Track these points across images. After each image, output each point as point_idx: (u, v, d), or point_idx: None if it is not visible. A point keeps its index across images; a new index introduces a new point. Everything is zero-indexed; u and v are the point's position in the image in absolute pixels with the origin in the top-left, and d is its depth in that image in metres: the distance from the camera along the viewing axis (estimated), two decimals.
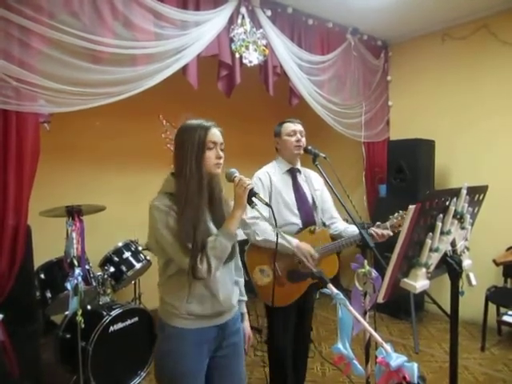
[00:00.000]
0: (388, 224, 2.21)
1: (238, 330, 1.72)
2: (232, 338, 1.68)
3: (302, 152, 2.37)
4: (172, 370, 1.56)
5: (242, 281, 1.85)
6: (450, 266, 1.33)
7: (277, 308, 2.19)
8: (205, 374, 1.62)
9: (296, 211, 2.33)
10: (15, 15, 2.13)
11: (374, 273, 1.88)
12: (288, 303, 2.28)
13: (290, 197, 2.35)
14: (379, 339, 1.13)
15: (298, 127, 2.38)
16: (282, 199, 2.32)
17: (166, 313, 1.59)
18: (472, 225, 1.47)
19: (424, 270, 1.26)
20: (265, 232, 2.19)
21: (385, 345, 1.12)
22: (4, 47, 2.14)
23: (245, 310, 1.86)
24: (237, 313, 1.74)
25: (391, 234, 2.18)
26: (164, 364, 1.58)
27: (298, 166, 2.47)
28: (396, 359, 1.06)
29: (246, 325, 1.84)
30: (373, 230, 2.19)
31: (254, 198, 1.54)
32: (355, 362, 1.27)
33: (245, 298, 1.86)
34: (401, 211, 2.21)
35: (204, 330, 1.58)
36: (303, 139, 2.37)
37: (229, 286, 1.66)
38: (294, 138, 2.35)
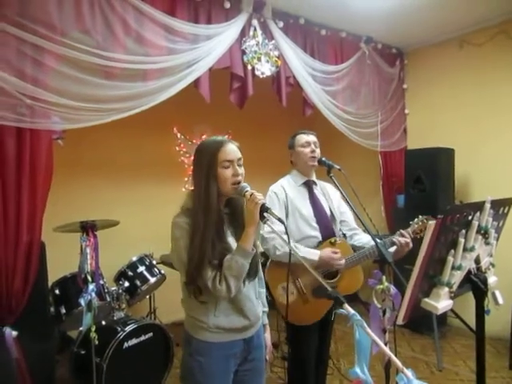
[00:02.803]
0: (410, 230, 2.16)
1: (261, 343, 1.73)
2: (256, 352, 1.68)
3: (316, 164, 2.32)
4: None
5: (263, 291, 1.86)
6: (475, 285, 1.25)
7: (301, 326, 2.14)
8: None
9: (315, 224, 2.27)
10: (28, 34, 2.16)
11: (393, 289, 1.80)
12: (314, 321, 2.20)
13: (307, 210, 2.29)
14: (399, 364, 1.06)
15: (312, 138, 2.34)
16: (300, 213, 2.26)
17: (193, 326, 1.59)
18: (497, 239, 1.39)
19: (446, 289, 1.19)
20: (284, 245, 2.12)
21: (405, 370, 1.05)
22: (18, 65, 2.16)
23: (266, 320, 1.85)
24: (261, 325, 1.74)
25: (411, 245, 2.10)
26: (192, 378, 1.58)
27: (314, 178, 2.42)
28: None
29: (268, 336, 1.83)
30: (396, 238, 2.12)
31: (265, 214, 1.50)
32: None
33: (266, 308, 1.86)
34: (421, 216, 2.18)
35: (231, 343, 1.59)
36: (317, 150, 2.33)
37: (254, 300, 1.67)
38: (308, 149, 2.30)
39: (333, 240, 2.26)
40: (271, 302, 2.21)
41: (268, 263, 2.26)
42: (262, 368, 1.74)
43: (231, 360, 1.60)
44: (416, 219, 2.19)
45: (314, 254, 2.14)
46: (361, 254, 2.20)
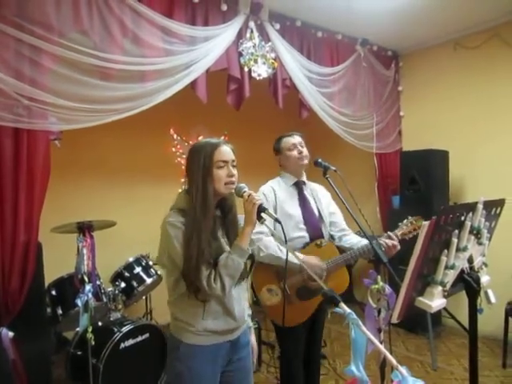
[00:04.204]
0: (398, 232, 2.17)
1: (247, 344, 1.74)
2: (241, 353, 1.69)
3: (306, 162, 2.33)
4: None
5: (247, 294, 1.85)
6: (468, 284, 1.28)
7: (287, 327, 2.13)
8: None
9: (302, 225, 2.28)
10: (26, 35, 2.17)
11: (388, 289, 1.82)
12: (299, 322, 2.21)
13: (296, 211, 2.29)
14: (394, 362, 1.08)
15: (297, 139, 2.35)
16: (288, 214, 2.26)
17: (181, 330, 1.58)
18: (489, 239, 1.42)
19: (440, 288, 1.21)
20: (268, 247, 2.14)
21: (400, 368, 1.07)
22: (15, 66, 2.17)
23: (251, 323, 1.86)
24: (246, 327, 1.75)
25: (399, 247, 2.11)
26: (179, 382, 1.57)
27: (304, 178, 2.42)
28: None
29: (253, 338, 1.84)
30: (383, 240, 2.13)
31: (263, 214, 1.52)
32: None
33: (250, 311, 1.86)
34: (410, 217, 2.20)
35: (218, 345, 1.59)
36: (305, 149, 2.34)
37: (242, 302, 1.69)
38: (295, 152, 2.31)
39: (318, 242, 2.27)
40: (256, 301, 2.24)
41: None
42: (250, 368, 1.75)
43: (218, 362, 1.60)
44: (405, 220, 2.21)
45: (295, 259, 2.12)
46: (345, 257, 2.20)
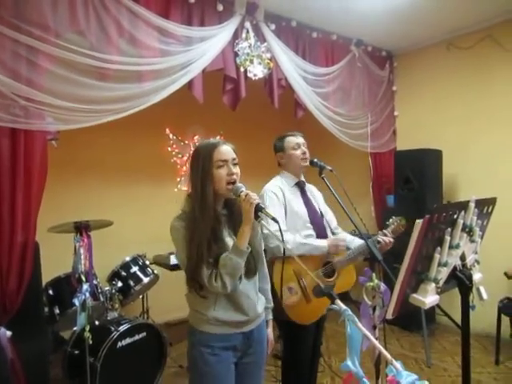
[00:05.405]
0: (390, 230, 2.25)
1: (262, 338, 1.78)
2: (256, 346, 1.73)
3: (308, 164, 2.36)
4: (202, 374, 1.64)
5: (268, 288, 1.89)
6: (460, 281, 1.31)
7: (301, 326, 2.17)
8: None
9: (309, 224, 2.32)
10: (23, 35, 2.17)
11: (383, 286, 1.85)
12: (314, 320, 2.23)
13: (302, 210, 2.33)
14: (389, 356, 1.10)
15: (301, 140, 2.38)
16: (296, 213, 2.30)
17: (195, 319, 1.67)
18: (482, 237, 1.45)
19: (433, 284, 1.24)
20: (294, 240, 2.17)
21: (395, 362, 1.09)
22: (12, 67, 2.17)
23: (270, 316, 1.89)
24: (262, 321, 1.78)
25: (392, 240, 2.22)
26: (196, 368, 1.66)
27: (303, 178, 2.46)
28: (406, 377, 1.04)
29: (270, 331, 1.88)
30: (381, 238, 2.20)
31: (260, 213, 1.54)
32: (365, 380, 1.23)
33: (271, 305, 1.89)
34: (394, 217, 2.30)
35: (230, 336, 1.64)
36: (307, 151, 2.37)
37: (253, 296, 1.71)
38: (299, 151, 2.34)
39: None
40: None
41: (273, 265, 2.20)
42: (262, 362, 1.79)
43: (230, 352, 1.65)
44: (391, 220, 2.29)
45: (323, 242, 2.24)
46: (356, 251, 2.25)
